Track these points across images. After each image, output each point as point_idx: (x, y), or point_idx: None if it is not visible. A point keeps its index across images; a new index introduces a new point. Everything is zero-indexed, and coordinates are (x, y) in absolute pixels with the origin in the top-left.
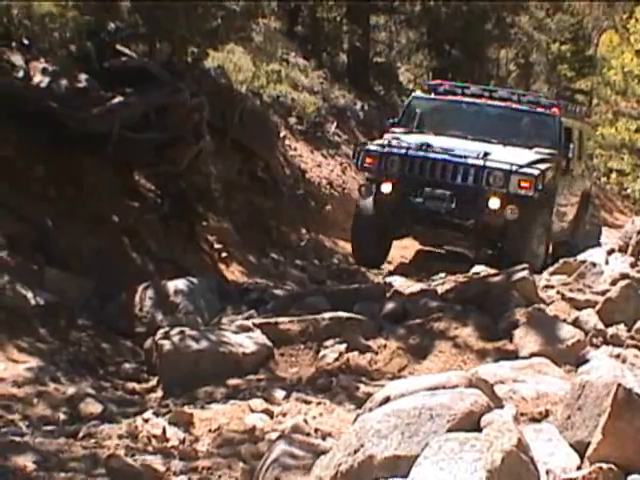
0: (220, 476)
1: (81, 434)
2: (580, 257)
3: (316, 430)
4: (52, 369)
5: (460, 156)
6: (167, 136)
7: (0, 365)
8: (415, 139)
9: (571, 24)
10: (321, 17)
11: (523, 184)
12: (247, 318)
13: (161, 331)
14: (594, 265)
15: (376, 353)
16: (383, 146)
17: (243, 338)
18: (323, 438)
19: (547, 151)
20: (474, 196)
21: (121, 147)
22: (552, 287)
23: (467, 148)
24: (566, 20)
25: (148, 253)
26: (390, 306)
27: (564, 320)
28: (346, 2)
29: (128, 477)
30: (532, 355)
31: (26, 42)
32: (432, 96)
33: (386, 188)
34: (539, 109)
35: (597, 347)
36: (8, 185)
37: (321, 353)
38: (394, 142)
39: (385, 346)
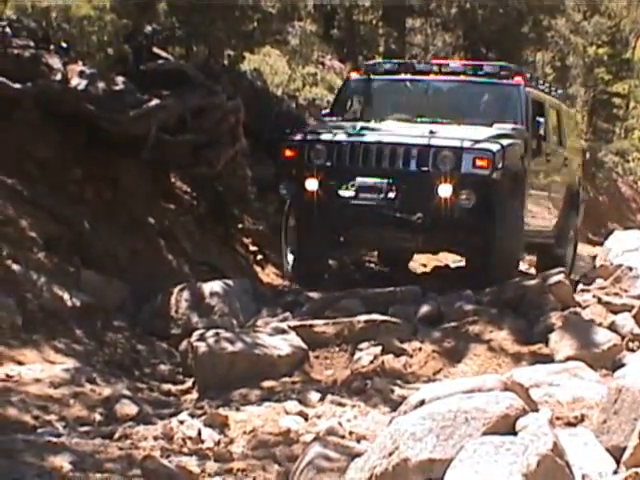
0: (255, 478)
1: (117, 435)
2: (616, 261)
3: (350, 433)
4: (88, 370)
5: (400, 136)
6: (203, 138)
7: (37, 366)
8: (347, 125)
9: (608, 27)
10: (357, 20)
11: (479, 163)
12: (282, 320)
13: (196, 333)
14: (630, 269)
15: (411, 356)
16: (305, 133)
17: (278, 340)
18: (357, 441)
19: (510, 126)
20: (419, 183)
21: (157, 149)
22: (588, 291)
23: (410, 129)
24: (603, 23)
25: (184, 255)
26: (425, 309)
27: (600, 324)
28: (382, 5)
29: (163, 478)
30: (568, 359)
31: (64, 45)
32: (370, 77)
33: (311, 185)
34: (498, 80)
35: (633, 351)
36: (46, 187)
37: (356, 356)
38: (319, 129)
39: (420, 349)
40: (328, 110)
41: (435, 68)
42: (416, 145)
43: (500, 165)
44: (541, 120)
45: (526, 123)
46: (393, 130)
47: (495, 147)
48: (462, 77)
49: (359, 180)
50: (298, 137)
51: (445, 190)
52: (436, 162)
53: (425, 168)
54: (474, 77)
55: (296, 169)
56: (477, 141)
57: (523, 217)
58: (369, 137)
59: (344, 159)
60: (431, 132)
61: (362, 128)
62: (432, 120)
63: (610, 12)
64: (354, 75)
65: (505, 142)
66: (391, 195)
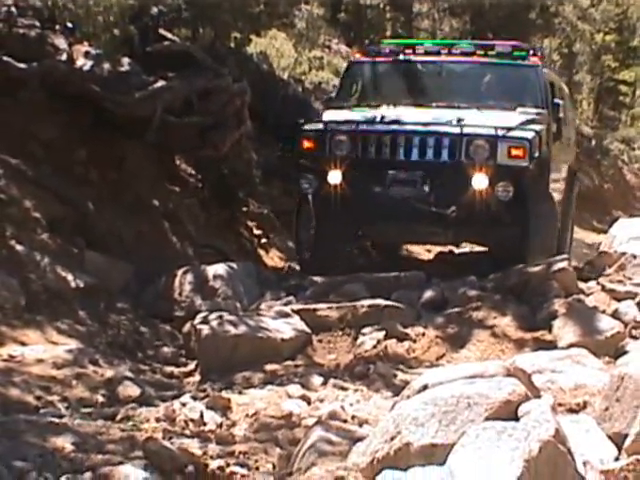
0: (257, 461)
1: (119, 417)
2: (620, 249)
3: (353, 417)
4: (91, 351)
5: (428, 125)
6: (209, 121)
7: (40, 347)
8: (364, 113)
9: (616, 14)
10: (364, 4)
11: (515, 152)
12: (286, 304)
13: (200, 315)
14: (635, 257)
15: (414, 341)
16: (324, 123)
17: (281, 324)
18: (360, 425)
19: (534, 111)
20: (452, 175)
21: (163, 131)
22: (592, 278)
23: (434, 116)
24: (611, 10)
25: (188, 238)
26: (429, 294)
27: (603, 311)
28: None
29: (165, 460)
30: (571, 346)
31: (70, 25)
32: (376, 59)
33: (334, 178)
34: (514, 60)
35: (636, 339)
36: (51, 168)
37: (359, 340)
38: (338, 117)
39: (423, 334)
40: (334, 94)
41: (444, 49)
42: (448, 134)
43: (536, 154)
44: (560, 102)
45: (547, 106)
46: (418, 117)
47: (530, 135)
48: (475, 58)
49: (391, 173)
50: (317, 127)
51: (480, 182)
52: (469, 152)
53: (458, 159)
54: (488, 58)
55: (316, 161)
56: (511, 129)
57: (555, 205)
58: (396, 126)
59: (370, 150)
60: (459, 120)
61: (384, 116)
62: (448, 105)
63: None
64: (358, 57)
65: (537, 128)
66: (425, 188)
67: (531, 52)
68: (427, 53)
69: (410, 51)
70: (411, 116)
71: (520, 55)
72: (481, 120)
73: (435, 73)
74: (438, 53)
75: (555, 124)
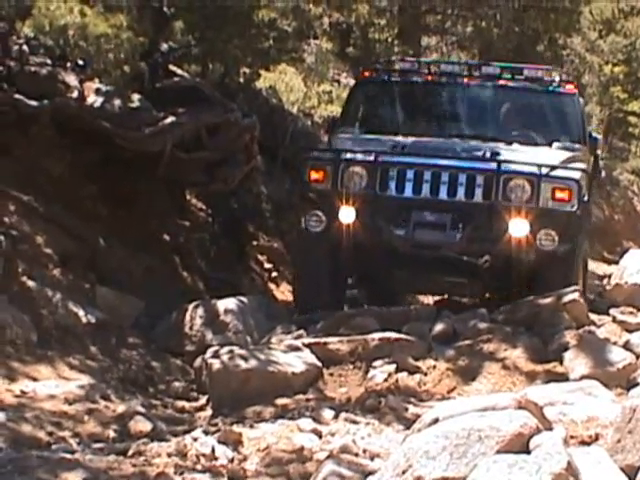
0: None
1: (130, 452)
2: (631, 280)
3: (364, 450)
4: (103, 387)
5: (459, 159)
6: (218, 156)
7: (51, 382)
8: (379, 141)
9: (624, 45)
10: (373, 38)
11: (559, 194)
12: (296, 338)
13: (211, 350)
14: None
15: (425, 374)
16: (337, 152)
17: (292, 358)
18: (371, 459)
19: (575, 146)
20: (487, 219)
21: (173, 166)
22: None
23: (461, 148)
24: (619, 42)
25: (198, 272)
26: (440, 327)
27: (615, 343)
28: (398, 23)
29: None
30: (582, 378)
31: (81, 63)
32: (389, 79)
33: (347, 215)
34: (547, 88)
35: None
36: (61, 204)
37: (370, 373)
38: (352, 145)
39: (434, 367)
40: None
41: (465, 70)
42: (482, 170)
43: (585, 197)
44: (598, 137)
45: (585, 140)
46: (444, 149)
47: (577, 175)
48: (503, 82)
49: (416, 214)
50: (327, 156)
51: (518, 228)
52: (506, 192)
53: (494, 200)
54: (516, 83)
55: (325, 196)
56: (554, 167)
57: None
58: (421, 159)
59: (388, 185)
60: (494, 154)
61: (405, 145)
62: (476, 134)
63: (626, 31)
64: (367, 75)
65: (582, 167)
66: (455, 233)
67: (565, 79)
68: (444, 74)
69: (426, 70)
70: (435, 147)
71: (552, 81)
72: (519, 154)
73: (458, 98)
74: (458, 75)
75: (594, 160)
